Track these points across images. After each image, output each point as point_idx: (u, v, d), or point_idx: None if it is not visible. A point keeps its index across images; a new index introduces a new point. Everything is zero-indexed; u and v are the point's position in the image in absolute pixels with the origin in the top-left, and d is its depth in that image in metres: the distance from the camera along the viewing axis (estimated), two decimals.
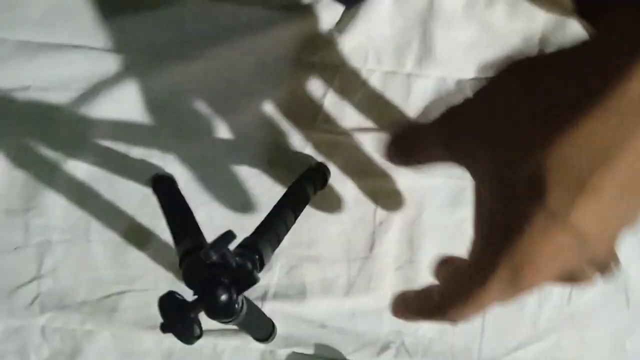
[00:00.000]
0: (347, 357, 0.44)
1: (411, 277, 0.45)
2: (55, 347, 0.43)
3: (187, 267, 0.30)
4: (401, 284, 0.45)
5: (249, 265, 0.28)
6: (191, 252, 0.31)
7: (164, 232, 0.44)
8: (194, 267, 0.29)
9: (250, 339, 0.43)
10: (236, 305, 0.28)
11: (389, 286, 0.46)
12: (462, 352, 0.45)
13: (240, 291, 0.28)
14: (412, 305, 0.26)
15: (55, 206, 0.43)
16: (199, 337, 0.28)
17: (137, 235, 0.44)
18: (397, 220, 0.45)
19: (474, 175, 0.21)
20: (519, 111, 0.19)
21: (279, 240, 0.34)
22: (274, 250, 0.33)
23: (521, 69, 0.19)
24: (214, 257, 0.26)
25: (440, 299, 0.23)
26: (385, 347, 0.44)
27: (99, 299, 0.44)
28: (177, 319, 0.27)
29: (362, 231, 0.45)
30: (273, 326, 0.43)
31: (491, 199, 0.20)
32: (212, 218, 0.43)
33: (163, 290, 0.44)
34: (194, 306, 0.27)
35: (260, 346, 0.44)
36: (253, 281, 0.28)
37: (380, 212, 0.45)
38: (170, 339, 0.43)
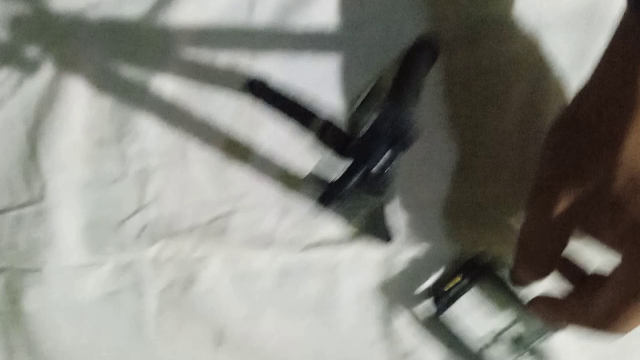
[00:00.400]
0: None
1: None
2: (169, 278, 0.42)
3: (334, 136, 0.27)
4: None
5: (409, 119, 0.25)
6: (331, 123, 0.27)
7: (265, 143, 0.41)
8: (340, 136, 0.26)
9: (365, 249, 0.40)
10: (396, 168, 0.25)
11: None
12: None
13: (404, 147, 0.24)
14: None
15: (149, 129, 0.41)
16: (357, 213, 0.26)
17: (236, 149, 0.41)
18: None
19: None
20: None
21: (415, 105, 0.30)
22: (414, 116, 0.29)
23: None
24: (366, 115, 0.23)
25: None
26: None
27: (207, 222, 0.41)
28: (338, 186, 0.24)
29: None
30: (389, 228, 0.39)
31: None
32: None
33: (272, 206, 0.41)
34: (353, 171, 0.24)
35: (377, 256, 0.41)
36: (416, 136, 0.24)
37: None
38: (284, 257, 0.41)
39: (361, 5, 0.39)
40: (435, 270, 0.41)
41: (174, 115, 0.40)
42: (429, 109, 0.39)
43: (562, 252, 0.31)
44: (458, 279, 0.40)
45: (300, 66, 0.40)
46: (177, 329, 0.42)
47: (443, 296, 0.40)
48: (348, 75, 0.39)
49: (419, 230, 0.40)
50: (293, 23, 0.40)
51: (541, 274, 0.32)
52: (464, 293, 0.40)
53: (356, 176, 0.24)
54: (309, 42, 0.40)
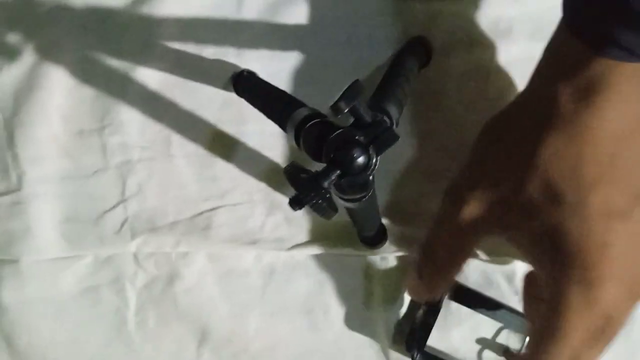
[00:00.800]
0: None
1: None
2: (151, 274, 0.41)
3: (309, 135, 0.25)
4: None
5: (387, 120, 0.24)
6: (308, 119, 0.26)
7: (251, 139, 0.39)
8: (317, 133, 0.25)
9: (355, 248, 0.40)
10: (373, 170, 0.24)
11: None
12: None
13: (379, 150, 0.23)
14: None
15: (131, 121, 0.39)
16: (336, 210, 0.25)
17: (221, 144, 0.39)
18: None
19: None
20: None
21: (402, 105, 0.29)
22: (400, 113, 0.28)
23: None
24: (344, 110, 0.22)
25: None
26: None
27: (190, 217, 0.40)
28: (309, 190, 0.23)
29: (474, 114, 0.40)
30: (384, 229, 0.38)
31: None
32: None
33: (258, 203, 0.40)
34: (327, 173, 0.23)
35: (365, 257, 0.40)
36: (393, 138, 0.23)
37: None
38: (270, 255, 0.40)
39: (350, 3, 0.38)
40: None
41: (157, 108, 0.39)
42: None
43: (464, 258, 0.29)
44: (420, 310, 0.38)
45: (287, 62, 0.38)
46: (159, 326, 0.41)
47: (413, 339, 0.38)
48: (335, 73, 0.38)
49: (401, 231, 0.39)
50: (281, 19, 0.38)
51: (438, 281, 0.30)
52: (434, 318, 0.38)
53: (327, 181, 0.23)
54: (296, 39, 0.38)
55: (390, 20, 0.37)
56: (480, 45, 0.37)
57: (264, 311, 0.41)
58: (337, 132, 0.23)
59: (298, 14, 0.38)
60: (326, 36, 0.38)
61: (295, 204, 0.23)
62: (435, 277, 0.30)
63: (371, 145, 0.23)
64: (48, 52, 0.38)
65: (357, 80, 0.22)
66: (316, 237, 0.40)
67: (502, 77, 0.37)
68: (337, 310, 0.40)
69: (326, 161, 0.23)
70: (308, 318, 0.41)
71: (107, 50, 0.39)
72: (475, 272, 0.39)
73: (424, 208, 0.38)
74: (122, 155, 0.39)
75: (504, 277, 0.39)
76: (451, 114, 0.38)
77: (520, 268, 0.39)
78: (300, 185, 0.23)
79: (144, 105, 0.39)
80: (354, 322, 0.41)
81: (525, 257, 0.30)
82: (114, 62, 0.39)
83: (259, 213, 0.40)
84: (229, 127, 0.39)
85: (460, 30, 0.37)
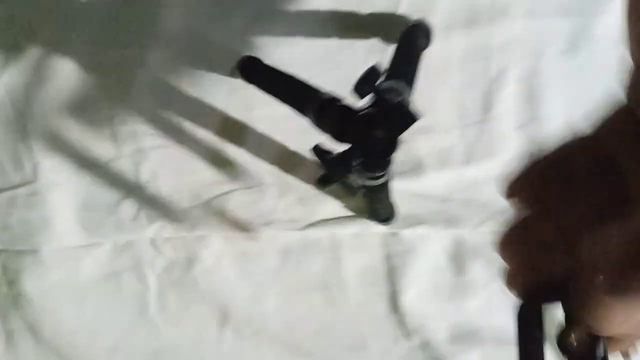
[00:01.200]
0: (479, 229, 0.41)
1: (535, 136, 0.40)
2: (169, 258, 0.42)
3: (332, 119, 0.26)
4: (525, 145, 0.40)
5: (405, 101, 0.24)
6: (329, 103, 0.27)
7: (260, 124, 0.40)
8: (339, 117, 0.25)
9: (368, 224, 0.40)
10: (395, 149, 0.24)
11: (513, 148, 0.41)
12: None
13: (401, 130, 0.24)
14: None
15: (141, 110, 0.39)
16: (361, 187, 0.26)
17: (231, 130, 0.40)
18: (513, 73, 0.40)
19: None
20: None
21: (412, 86, 0.29)
22: (411, 94, 0.29)
23: None
24: (367, 93, 0.23)
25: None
26: None
27: (204, 202, 0.41)
28: (338, 168, 0.23)
29: (474, 91, 0.40)
30: (393, 206, 0.39)
31: None
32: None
33: (270, 185, 0.41)
34: (353, 152, 0.24)
35: (381, 230, 0.41)
36: (413, 118, 0.24)
37: (494, 65, 0.39)
38: (285, 235, 0.41)
39: None
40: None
41: (165, 96, 0.39)
42: None
43: None
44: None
45: (295, 47, 0.38)
46: (180, 309, 0.42)
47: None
48: (342, 57, 0.38)
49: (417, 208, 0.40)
50: (290, 5, 0.38)
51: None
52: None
53: (354, 160, 0.23)
54: (304, 24, 0.38)
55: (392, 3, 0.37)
56: (479, 25, 0.37)
57: (281, 290, 0.41)
58: (361, 113, 0.24)
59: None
60: (338, 22, 0.38)
61: (323, 182, 0.24)
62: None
63: (392, 126, 0.24)
64: (56, 45, 0.38)
65: (374, 65, 0.22)
66: (328, 217, 0.41)
67: (502, 58, 0.38)
68: (351, 286, 0.41)
69: (351, 141, 0.24)
70: (324, 295, 0.41)
71: (115, 41, 0.39)
72: (485, 244, 0.40)
73: None
74: (133, 143, 0.40)
75: None
76: (454, 91, 0.38)
77: None
78: (329, 164, 0.23)
79: (152, 93, 0.39)
80: (368, 295, 0.41)
81: None
82: (122, 52, 0.39)
83: (271, 195, 0.41)
84: (237, 113, 0.40)
85: (459, 11, 0.37)
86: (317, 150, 0.25)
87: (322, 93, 0.28)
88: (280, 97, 0.33)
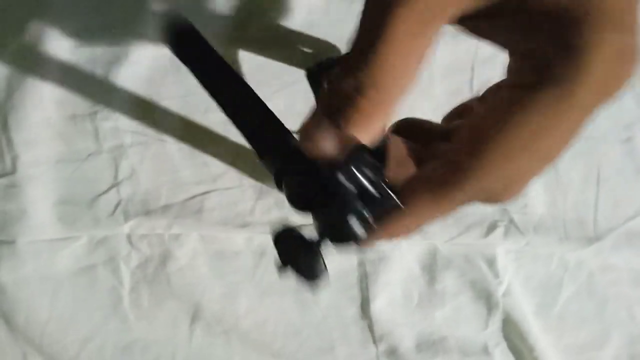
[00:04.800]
0: (453, 241, 0.41)
1: None
2: (144, 254, 0.42)
3: (297, 192, 0.21)
4: None
5: (393, 196, 0.20)
6: (292, 164, 0.21)
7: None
8: (304, 189, 0.21)
9: None
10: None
11: None
12: (576, 225, 0.41)
13: (379, 223, 0.20)
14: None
15: (122, 107, 0.40)
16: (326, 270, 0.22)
17: (212, 130, 0.40)
18: None
19: None
20: None
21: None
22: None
23: None
24: (348, 186, 0.19)
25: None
26: (492, 227, 0.41)
27: (182, 201, 0.41)
28: (300, 256, 0.21)
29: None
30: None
31: None
32: (293, 105, 0.39)
33: (248, 187, 0.41)
34: (320, 242, 0.21)
35: None
36: (395, 210, 0.20)
37: (479, 76, 0.40)
38: (261, 237, 0.41)
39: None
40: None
41: (148, 93, 0.39)
42: None
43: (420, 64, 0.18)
44: None
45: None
46: (153, 304, 0.42)
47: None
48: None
49: None
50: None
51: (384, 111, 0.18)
52: None
53: (320, 246, 0.21)
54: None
55: None
56: (464, 37, 0.38)
57: (254, 291, 0.42)
58: (327, 199, 0.20)
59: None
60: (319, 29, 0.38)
61: (284, 266, 0.21)
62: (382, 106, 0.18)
63: (370, 215, 0.20)
64: (39, 38, 0.38)
65: (357, 147, 0.18)
66: (304, 222, 0.41)
67: (487, 68, 0.38)
68: (323, 290, 0.42)
69: (318, 232, 0.21)
70: (296, 297, 0.42)
71: (99, 36, 0.39)
72: (458, 256, 0.41)
73: None
74: (114, 139, 0.40)
75: (484, 260, 0.41)
76: (437, 103, 0.39)
77: (500, 253, 0.41)
78: (291, 252, 0.21)
79: (134, 90, 0.39)
80: (339, 300, 0.42)
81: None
82: (106, 48, 0.39)
83: (249, 197, 0.41)
84: (219, 114, 0.40)
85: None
86: (284, 234, 0.22)
87: (289, 143, 0.22)
88: (227, 113, 0.24)
